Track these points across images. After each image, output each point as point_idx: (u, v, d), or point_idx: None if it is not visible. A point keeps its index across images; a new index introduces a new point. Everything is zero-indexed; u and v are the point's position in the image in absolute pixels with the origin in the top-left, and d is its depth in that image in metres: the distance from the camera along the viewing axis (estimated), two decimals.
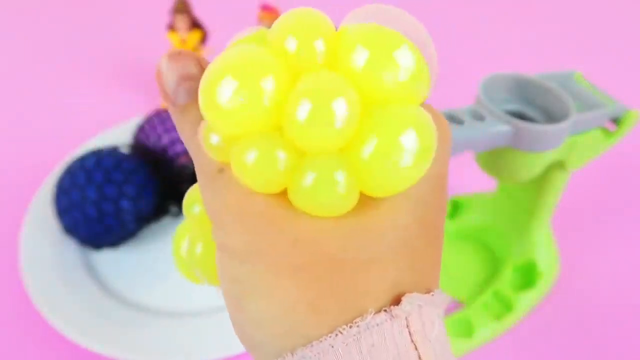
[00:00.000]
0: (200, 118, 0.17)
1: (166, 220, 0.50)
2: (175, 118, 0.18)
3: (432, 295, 0.16)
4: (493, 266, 0.46)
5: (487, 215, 0.47)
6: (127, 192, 0.44)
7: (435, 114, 0.17)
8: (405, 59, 0.15)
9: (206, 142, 0.17)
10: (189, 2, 0.57)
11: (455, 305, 0.44)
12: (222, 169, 0.16)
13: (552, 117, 0.35)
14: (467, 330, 0.40)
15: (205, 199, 0.17)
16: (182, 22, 0.57)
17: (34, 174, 0.55)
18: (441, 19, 0.81)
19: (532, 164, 0.35)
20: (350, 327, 0.15)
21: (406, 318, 0.15)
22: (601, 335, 0.42)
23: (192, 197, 0.20)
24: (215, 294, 0.19)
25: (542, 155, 0.34)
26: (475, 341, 0.40)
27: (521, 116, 0.36)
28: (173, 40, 0.58)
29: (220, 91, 0.15)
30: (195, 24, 0.58)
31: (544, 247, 0.44)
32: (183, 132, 0.18)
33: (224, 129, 0.15)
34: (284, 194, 0.16)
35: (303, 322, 0.15)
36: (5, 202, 0.52)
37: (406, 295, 0.15)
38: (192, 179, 0.57)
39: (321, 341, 0.15)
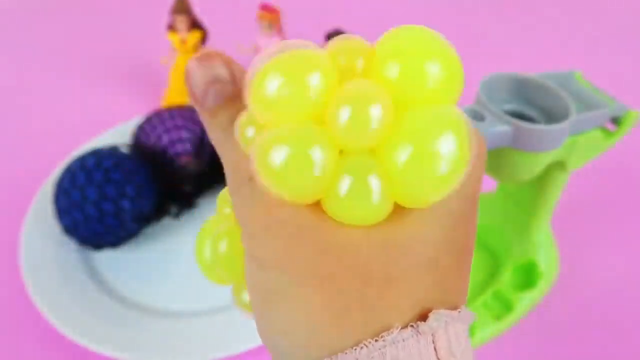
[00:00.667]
0: (231, 120, 0.17)
1: (166, 220, 0.50)
2: (205, 121, 0.18)
3: (459, 311, 0.16)
4: (493, 266, 0.46)
5: (487, 215, 0.47)
6: (127, 192, 0.44)
7: (471, 129, 0.17)
8: (435, 69, 0.15)
9: (242, 135, 0.17)
10: (189, 3, 0.57)
11: None
12: (253, 177, 0.16)
13: (552, 117, 0.35)
14: None
15: (235, 205, 0.16)
16: (182, 22, 0.57)
17: (35, 174, 0.55)
18: (441, 19, 0.81)
19: (532, 164, 0.35)
20: (376, 340, 0.14)
21: (432, 334, 0.15)
22: (601, 335, 0.42)
23: (226, 196, 0.20)
24: (220, 294, 0.18)
25: (542, 155, 0.34)
26: (475, 341, 0.40)
27: (521, 116, 0.36)
28: (173, 41, 0.58)
29: (269, 80, 0.15)
30: (195, 24, 0.58)
31: (544, 247, 0.44)
32: (213, 134, 0.17)
33: (265, 115, 0.15)
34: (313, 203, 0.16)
35: (327, 333, 0.15)
36: (6, 202, 0.52)
37: (433, 311, 0.15)
38: (192, 179, 0.56)
39: (346, 354, 0.14)
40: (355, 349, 0.14)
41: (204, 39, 0.60)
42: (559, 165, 0.38)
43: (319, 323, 0.15)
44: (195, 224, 0.50)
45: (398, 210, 0.16)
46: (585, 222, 0.51)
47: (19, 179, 0.54)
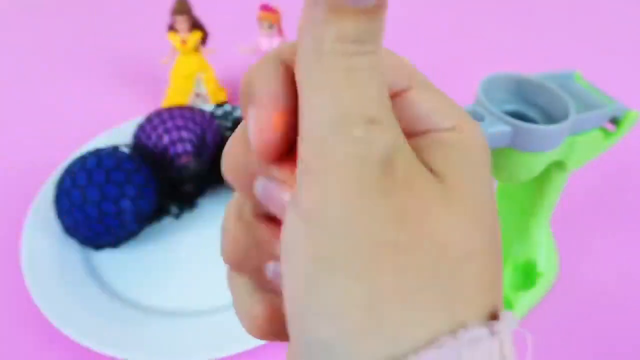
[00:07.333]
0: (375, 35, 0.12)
1: (166, 220, 0.50)
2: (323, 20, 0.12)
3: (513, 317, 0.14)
4: None
5: None
6: (127, 192, 0.44)
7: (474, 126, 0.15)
8: None
9: None
10: (189, 3, 0.57)
11: None
12: (374, 120, 0.12)
13: (551, 117, 0.35)
14: None
15: (316, 145, 0.12)
16: (182, 22, 0.57)
17: (36, 175, 0.55)
18: (441, 19, 0.81)
19: (532, 164, 0.35)
20: (453, 338, 0.12)
21: (501, 339, 0.13)
22: (601, 334, 0.42)
23: None
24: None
25: (541, 156, 0.34)
26: None
27: (521, 116, 0.36)
28: (173, 41, 0.58)
29: None
30: (195, 25, 0.58)
31: (544, 247, 0.44)
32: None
33: None
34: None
35: (392, 318, 0.12)
36: (7, 202, 0.52)
37: (504, 312, 0.13)
38: (193, 179, 0.56)
39: (419, 355, 0.12)
40: (431, 349, 0.12)
41: (204, 40, 0.60)
42: (558, 165, 0.38)
43: (385, 303, 0.12)
44: (195, 224, 0.50)
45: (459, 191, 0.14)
46: (585, 222, 0.51)
47: (20, 179, 0.54)
